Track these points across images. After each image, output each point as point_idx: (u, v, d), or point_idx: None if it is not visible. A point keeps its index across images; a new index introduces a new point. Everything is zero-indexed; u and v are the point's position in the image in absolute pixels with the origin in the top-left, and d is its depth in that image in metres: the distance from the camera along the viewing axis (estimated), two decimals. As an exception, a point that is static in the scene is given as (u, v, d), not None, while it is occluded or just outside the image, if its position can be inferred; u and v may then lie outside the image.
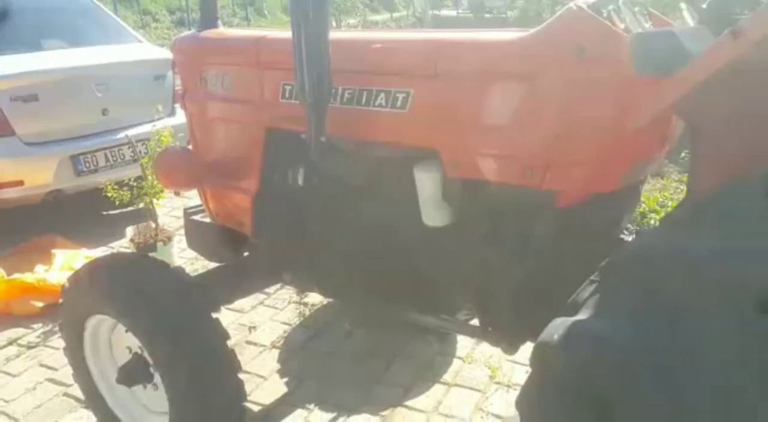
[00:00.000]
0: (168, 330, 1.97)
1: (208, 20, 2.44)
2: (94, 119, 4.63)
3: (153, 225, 3.94)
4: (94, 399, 2.34)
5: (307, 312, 3.33)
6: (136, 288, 2.03)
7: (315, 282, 2.23)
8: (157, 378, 2.10)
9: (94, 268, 2.17)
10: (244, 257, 2.51)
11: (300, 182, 2.09)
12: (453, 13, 22.47)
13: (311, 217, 2.11)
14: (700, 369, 0.87)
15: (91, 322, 2.23)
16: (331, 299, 3.25)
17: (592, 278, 1.11)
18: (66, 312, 2.28)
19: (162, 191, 3.85)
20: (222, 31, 2.44)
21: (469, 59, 1.67)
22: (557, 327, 1.07)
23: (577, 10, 1.48)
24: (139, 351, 2.13)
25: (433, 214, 1.85)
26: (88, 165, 4.62)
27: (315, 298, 3.38)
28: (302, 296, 3.44)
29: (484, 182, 1.71)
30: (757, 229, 0.89)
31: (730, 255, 0.87)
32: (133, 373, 2.14)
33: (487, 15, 18.74)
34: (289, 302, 3.43)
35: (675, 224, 1.07)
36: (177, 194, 3.31)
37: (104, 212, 4.93)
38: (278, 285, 3.39)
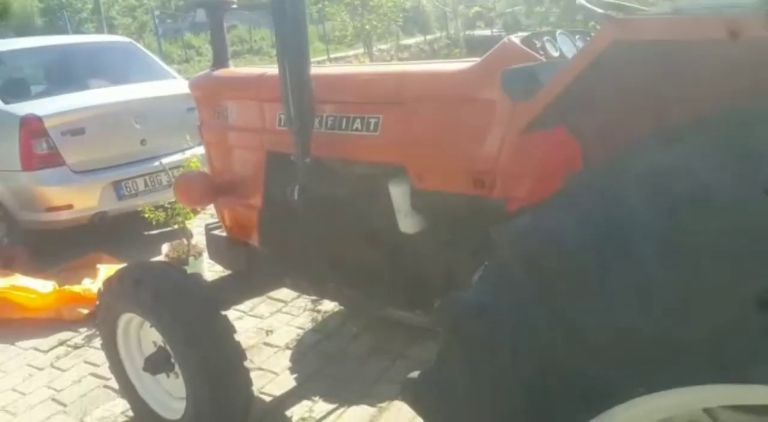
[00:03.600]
0: (184, 325, 2.32)
1: (220, 60, 2.82)
2: (134, 148, 5.09)
3: (186, 242, 4.36)
4: (126, 387, 2.71)
5: (320, 318, 3.65)
6: (158, 290, 2.39)
7: (310, 284, 2.55)
8: (177, 368, 2.46)
9: (123, 274, 2.55)
10: (252, 265, 2.85)
11: (295, 197, 2.42)
12: (487, 32, 22.45)
13: (304, 228, 2.44)
14: (631, 262, 0.88)
15: (123, 320, 2.60)
16: (341, 307, 3.60)
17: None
18: (102, 312, 2.66)
19: (191, 212, 4.28)
20: (231, 70, 2.82)
21: (426, 87, 1.95)
22: (510, 225, 1.11)
23: (509, 42, 1.76)
24: (162, 344, 2.49)
25: (406, 222, 2.13)
26: (129, 190, 5.09)
27: (328, 305, 3.71)
28: (316, 304, 3.77)
29: (445, 193, 1.94)
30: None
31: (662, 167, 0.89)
32: (156, 363, 2.49)
33: (522, 34, 18.75)
34: (304, 310, 3.76)
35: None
36: (194, 211, 3.70)
37: (145, 233, 5.38)
38: (295, 295, 3.76)
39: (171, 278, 2.49)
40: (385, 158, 2.06)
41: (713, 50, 0.92)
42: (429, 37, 26.18)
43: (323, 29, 23.92)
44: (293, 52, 2.01)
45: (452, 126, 1.84)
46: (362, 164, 2.16)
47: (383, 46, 20.70)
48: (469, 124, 1.78)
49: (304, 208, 2.37)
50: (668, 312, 0.85)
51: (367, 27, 18.23)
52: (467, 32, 21.76)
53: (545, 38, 1.77)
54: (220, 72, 2.79)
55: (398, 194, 2.06)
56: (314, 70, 2.14)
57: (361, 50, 20.39)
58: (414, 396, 1.23)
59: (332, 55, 21.17)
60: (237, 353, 2.37)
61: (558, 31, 1.82)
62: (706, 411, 1.01)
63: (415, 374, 1.23)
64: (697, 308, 0.83)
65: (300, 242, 2.48)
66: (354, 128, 2.12)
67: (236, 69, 2.88)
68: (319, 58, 20.28)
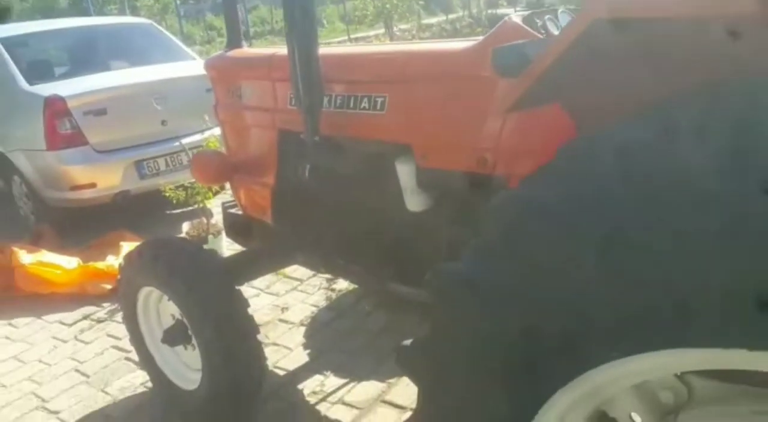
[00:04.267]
0: (198, 298, 2.39)
1: (234, 41, 2.87)
2: (155, 128, 5.18)
3: (205, 221, 4.46)
4: (146, 358, 2.81)
5: (334, 296, 3.73)
6: (174, 265, 2.48)
7: (320, 261, 2.62)
8: (194, 340, 2.55)
9: (143, 249, 2.64)
10: (266, 242, 2.93)
11: (305, 175, 2.48)
12: (510, 10, 22.30)
13: (314, 205, 2.50)
14: (602, 230, 0.91)
15: (142, 293, 2.69)
16: (355, 286, 3.66)
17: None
18: (123, 286, 2.76)
19: (210, 191, 4.37)
20: (245, 50, 2.87)
21: (429, 66, 1.97)
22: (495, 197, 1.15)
23: (509, 21, 1.78)
24: (180, 317, 2.58)
25: (412, 200, 2.17)
26: (150, 169, 5.20)
27: (342, 284, 3.78)
28: (331, 283, 3.85)
29: (449, 171, 2.01)
30: None
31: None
32: (174, 335, 2.57)
33: (524, 12, 18.48)
34: (319, 288, 3.84)
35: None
36: (212, 189, 3.79)
37: (167, 212, 5.48)
38: (311, 273, 3.84)
39: (187, 253, 2.56)
40: (392, 136, 2.09)
41: (694, 28, 0.94)
42: (451, 16, 25.95)
43: (344, 9, 23.84)
44: (301, 33, 2.05)
45: (454, 105, 1.87)
46: (370, 143, 2.19)
47: (404, 26, 20.55)
48: (470, 102, 1.81)
49: (314, 186, 2.43)
50: (635, 278, 0.89)
51: (387, 6, 18.10)
52: (489, 11, 21.53)
53: (547, 17, 1.79)
54: (234, 52, 2.84)
55: (404, 172, 2.10)
56: (322, 50, 2.17)
57: (382, 30, 20.28)
58: (407, 362, 1.29)
59: (353, 35, 21.11)
60: (250, 326, 2.45)
61: (560, 10, 1.83)
62: (681, 379, 1.04)
63: (408, 342, 1.28)
64: (662, 274, 0.87)
65: (310, 219, 2.54)
66: (361, 106, 2.15)
67: (249, 49, 2.92)
68: (340, 39, 20.24)
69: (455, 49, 1.92)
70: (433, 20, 25.05)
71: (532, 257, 1.01)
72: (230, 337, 2.39)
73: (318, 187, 2.45)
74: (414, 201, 2.15)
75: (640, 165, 0.90)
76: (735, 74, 0.88)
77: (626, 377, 1.01)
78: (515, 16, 1.81)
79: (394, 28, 19.58)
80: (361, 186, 2.33)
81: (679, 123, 0.89)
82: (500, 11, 22.46)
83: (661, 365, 0.95)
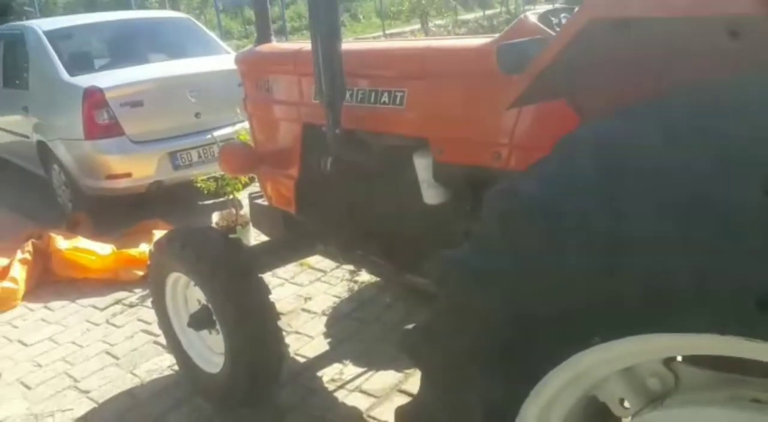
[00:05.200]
0: (222, 284, 2.48)
1: (263, 36, 2.95)
2: (189, 121, 5.31)
3: (234, 212, 4.57)
4: (173, 342, 2.92)
5: (356, 287, 3.80)
6: (201, 251, 2.57)
7: (339, 251, 2.68)
8: (218, 325, 2.64)
9: (171, 236, 2.74)
10: (289, 232, 3.01)
11: (327, 168, 2.55)
12: (549, 7, 21.96)
13: (334, 197, 2.56)
14: (585, 221, 0.97)
15: (171, 279, 2.80)
16: (377, 278, 3.72)
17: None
18: (152, 271, 2.87)
19: (239, 182, 4.48)
20: (273, 45, 2.94)
21: (446, 63, 2.02)
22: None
23: (525, 19, 1.81)
24: (206, 303, 2.67)
25: (429, 193, 2.22)
26: (183, 161, 5.33)
27: (364, 276, 3.84)
28: (353, 275, 3.92)
29: (464, 166, 2.04)
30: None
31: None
32: (200, 320, 2.67)
33: (539, 10, 18.22)
34: (342, 280, 3.91)
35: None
36: (238, 180, 3.89)
37: (199, 202, 5.64)
38: (334, 265, 3.92)
39: (213, 241, 2.65)
40: (410, 130, 2.14)
41: (690, 27, 0.97)
42: (488, 12, 25.68)
43: (380, 4, 23.87)
44: (325, 29, 2.11)
45: (468, 101, 1.91)
46: (390, 137, 2.24)
47: (439, 22, 20.46)
48: (483, 99, 1.85)
49: (334, 178, 2.49)
50: (615, 264, 0.93)
51: (423, 2, 18.06)
52: (527, 7, 21.26)
53: (562, 14, 1.82)
54: (262, 47, 2.91)
55: (421, 165, 2.14)
56: (345, 45, 2.23)
57: (418, 26, 20.25)
58: (409, 346, 1.34)
59: (388, 31, 21.10)
60: (270, 312, 2.53)
61: (576, 8, 1.85)
62: (668, 366, 1.07)
63: (410, 326, 1.34)
64: (640, 263, 0.90)
65: (330, 211, 2.61)
66: (382, 101, 2.20)
67: (277, 44, 3.00)
68: (375, 34, 20.26)
69: (470, 46, 1.96)
70: (470, 16, 24.82)
71: (520, 246, 1.05)
72: (251, 322, 2.47)
73: (338, 179, 2.51)
74: (431, 194, 2.19)
75: (617, 158, 0.94)
76: (731, 73, 0.91)
77: (613, 360, 1.04)
78: (531, 14, 1.83)
79: (429, 24, 19.53)
80: (380, 179, 2.39)
81: (662, 119, 0.92)
82: (539, 7, 22.11)
83: (643, 349, 0.99)
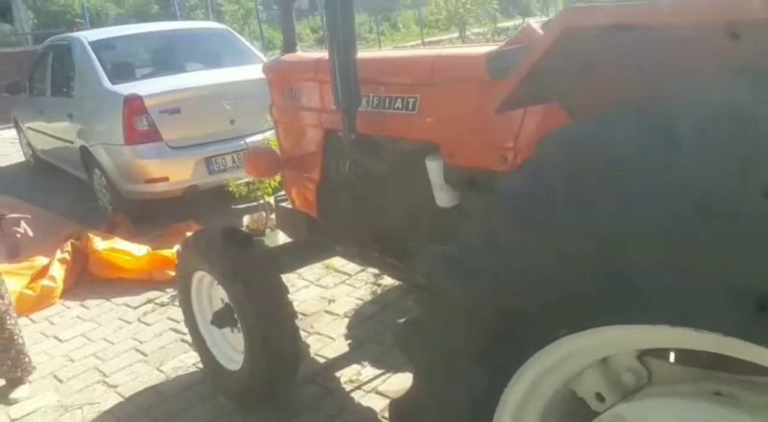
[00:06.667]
0: (242, 282, 2.56)
1: (289, 46, 3.05)
2: (224, 127, 5.46)
3: (264, 215, 4.69)
4: (197, 339, 3.02)
5: (379, 291, 3.85)
6: (224, 250, 2.66)
7: (357, 253, 2.74)
8: (239, 323, 2.73)
9: (198, 236, 2.84)
10: (311, 235, 3.08)
11: (344, 172, 2.61)
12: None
13: (352, 200, 2.63)
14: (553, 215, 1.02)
15: (196, 277, 2.90)
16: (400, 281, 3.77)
17: None
18: (179, 270, 2.98)
19: (269, 187, 4.59)
20: (299, 54, 3.04)
21: (455, 70, 2.07)
22: None
23: (528, 27, 1.86)
24: (228, 301, 2.77)
25: (441, 197, 2.26)
26: (218, 166, 5.48)
27: (388, 280, 3.89)
28: (378, 278, 3.97)
29: (473, 169, 2.09)
30: None
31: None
32: (222, 318, 2.75)
33: (543, 19, 17.99)
34: (366, 283, 3.97)
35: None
36: (261, 182, 4.01)
37: (232, 206, 5.77)
38: (359, 268, 3.98)
39: (236, 241, 2.74)
40: (421, 135, 2.20)
41: (664, 35, 1.00)
42: (529, 19, 25.48)
43: (418, 14, 23.99)
44: (341, 39, 2.18)
45: (477, 106, 1.95)
46: (403, 141, 2.30)
47: (477, 30, 20.46)
48: (489, 103, 1.89)
49: (351, 181, 2.56)
50: (576, 258, 0.97)
51: (460, 10, 18.09)
52: (561, 14, 21.00)
53: None
54: (288, 56, 3.01)
55: (433, 169, 2.19)
56: (361, 54, 2.30)
57: (456, 34, 20.28)
58: (400, 340, 1.39)
59: (426, 40, 21.19)
60: (289, 311, 2.60)
61: None
62: (641, 361, 1.09)
63: (402, 320, 1.39)
64: (603, 256, 0.94)
65: (348, 213, 2.67)
66: (395, 107, 2.27)
67: (302, 53, 3.09)
68: (413, 42, 20.36)
69: (476, 53, 2.01)
70: (509, 23, 24.76)
71: (496, 242, 1.10)
72: (269, 321, 2.55)
73: (355, 183, 2.58)
74: (443, 197, 2.24)
75: (584, 157, 0.99)
76: (705, 75, 0.94)
77: (583, 352, 1.08)
78: (534, 22, 1.88)
79: (467, 32, 19.54)
80: (394, 182, 2.44)
81: (633, 120, 0.96)
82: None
83: (608, 342, 1.02)
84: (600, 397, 1.12)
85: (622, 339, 1.00)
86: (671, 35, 0.98)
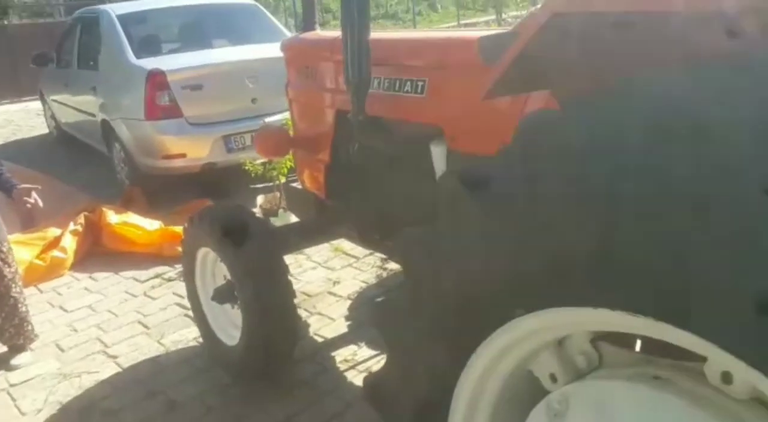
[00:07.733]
0: (243, 259, 2.56)
1: (309, 24, 3.02)
2: (245, 105, 5.43)
3: (278, 195, 4.69)
4: (198, 314, 3.03)
5: (385, 275, 3.82)
6: (227, 227, 2.66)
7: (359, 235, 2.72)
8: (239, 299, 2.72)
9: (204, 213, 2.84)
10: (318, 215, 3.06)
11: (354, 154, 2.59)
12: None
13: (358, 181, 2.60)
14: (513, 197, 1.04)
15: (201, 253, 2.90)
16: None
17: None
18: (185, 245, 2.99)
19: (285, 167, 4.58)
20: (317, 32, 3.01)
21: (462, 53, 2.02)
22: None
23: (535, 11, 1.82)
24: (230, 278, 2.77)
25: (446, 181, 2.25)
26: (237, 144, 5.46)
27: (395, 264, 3.87)
28: (384, 262, 3.94)
29: (474, 155, 2.05)
30: None
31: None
32: (223, 294, 2.75)
33: None
34: (373, 266, 3.95)
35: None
36: (270, 161, 4.01)
37: (250, 186, 5.77)
38: (367, 252, 3.96)
39: (240, 218, 2.74)
40: (428, 118, 2.17)
41: (650, 22, 0.98)
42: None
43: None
44: (355, 19, 2.15)
45: (476, 91, 1.93)
46: (410, 124, 2.28)
47: (514, 13, 20.17)
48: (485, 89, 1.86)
49: (359, 163, 2.54)
50: (534, 240, 0.98)
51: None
52: None
53: None
54: (306, 35, 2.99)
55: (437, 153, 2.17)
56: (374, 35, 2.26)
57: (493, 16, 20.03)
58: (375, 318, 1.40)
59: (462, 21, 20.86)
60: (287, 290, 2.58)
61: None
62: (594, 345, 1.12)
63: (379, 299, 1.39)
64: (553, 239, 0.95)
65: (353, 195, 2.65)
66: (405, 89, 2.24)
67: (320, 32, 3.06)
68: (449, 24, 20.08)
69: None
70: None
71: (460, 225, 1.12)
72: (268, 298, 2.54)
73: (362, 165, 2.55)
74: None
75: (544, 143, 1.01)
76: (684, 64, 0.91)
77: (537, 332, 1.11)
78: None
79: (504, 15, 19.27)
80: (399, 165, 2.42)
81: (604, 109, 0.95)
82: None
83: (565, 322, 1.05)
84: (554, 378, 1.15)
85: (572, 321, 1.03)
86: (656, 22, 0.95)
